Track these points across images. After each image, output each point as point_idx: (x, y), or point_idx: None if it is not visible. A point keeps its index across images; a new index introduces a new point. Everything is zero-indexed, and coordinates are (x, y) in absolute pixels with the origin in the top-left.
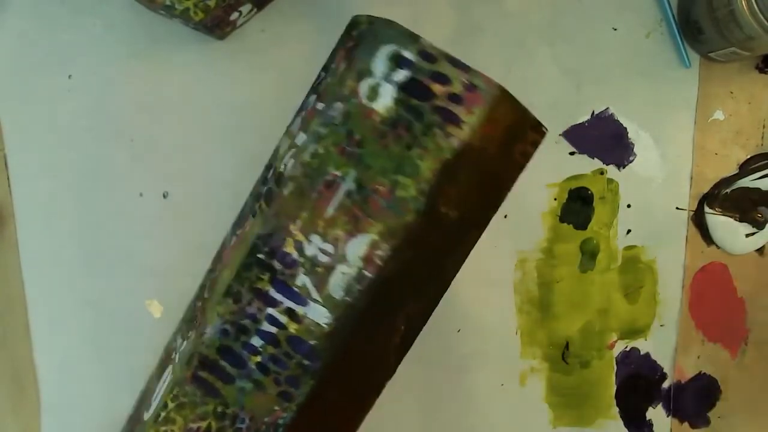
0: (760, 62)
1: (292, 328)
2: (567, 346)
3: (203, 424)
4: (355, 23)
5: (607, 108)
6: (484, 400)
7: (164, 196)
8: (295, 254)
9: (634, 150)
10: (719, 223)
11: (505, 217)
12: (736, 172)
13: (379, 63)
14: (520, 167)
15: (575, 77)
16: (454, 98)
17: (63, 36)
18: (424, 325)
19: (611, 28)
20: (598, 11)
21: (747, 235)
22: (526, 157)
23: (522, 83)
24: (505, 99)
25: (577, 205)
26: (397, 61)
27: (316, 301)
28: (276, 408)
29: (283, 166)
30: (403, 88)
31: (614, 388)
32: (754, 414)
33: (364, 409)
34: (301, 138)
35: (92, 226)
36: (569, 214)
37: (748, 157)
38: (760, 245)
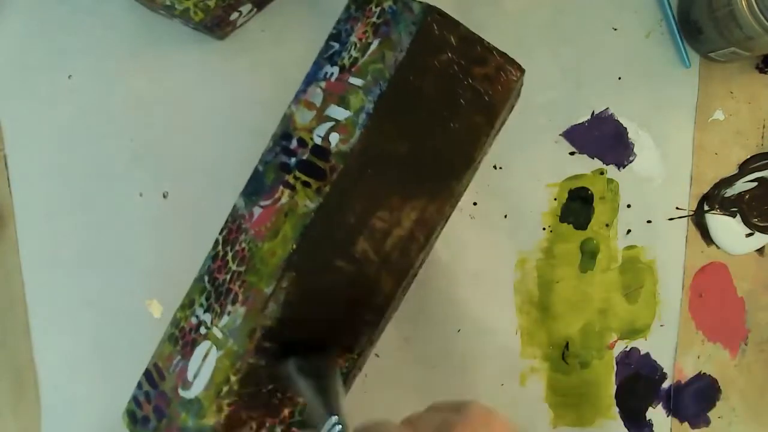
0: (760, 62)
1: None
2: (567, 346)
3: (271, 387)
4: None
5: (607, 108)
6: (484, 400)
7: (164, 196)
8: (352, 220)
9: (634, 150)
10: (719, 223)
11: (505, 217)
12: (736, 172)
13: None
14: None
15: (575, 77)
16: (488, 78)
17: (63, 36)
18: None
19: (611, 28)
20: (598, 11)
21: (747, 235)
22: None
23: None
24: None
25: (577, 205)
26: (441, 47)
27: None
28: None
29: (319, 139)
30: (444, 68)
31: (614, 388)
32: (754, 414)
33: None
34: (341, 113)
35: (92, 226)
36: (569, 214)
37: (748, 157)
38: (760, 245)
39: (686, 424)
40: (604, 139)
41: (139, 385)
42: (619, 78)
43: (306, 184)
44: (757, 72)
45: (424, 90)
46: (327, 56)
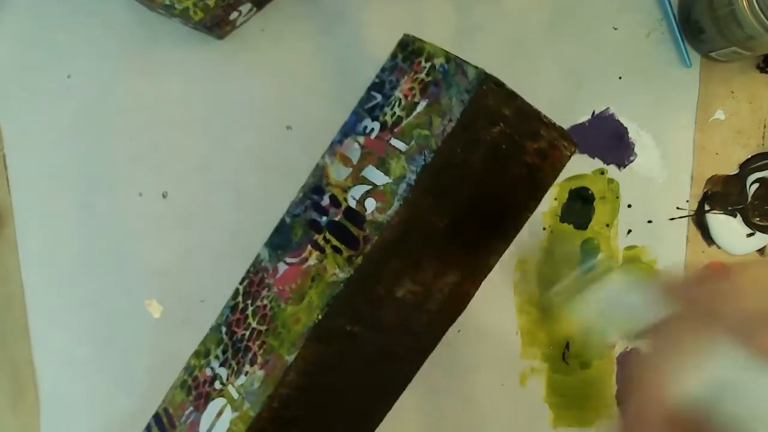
0: (761, 62)
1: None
2: (567, 346)
3: None
4: (424, 52)
5: (608, 108)
6: (484, 400)
7: (164, 196)
8: (382, 293)
9: (635, 150)
10: (719, 223)
11: None
12: (737, 172)
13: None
14: None
15: (575, 77)
16: (541, 153)
17: (63, 36)
18: None
19: (611, 27)
20: (598, 11)
21: (748, 236)
22: None
23: (522, 83)
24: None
25: (578, 205)
26: (495, 119)
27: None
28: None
29: (353, 202)
30: (496, 142)
31: (615, 388)
32: None
33: None
34: (380, 177)
35: (92, 226)
36: (569, 214)
37: (749, 156)
38: (761, 245)
39: None
40: (604, 139)
41: (148, 428)
42: (620, 78)
43: (336, 250)
44: (758, 72)
45: (472, 164)
46: (368, 108)
